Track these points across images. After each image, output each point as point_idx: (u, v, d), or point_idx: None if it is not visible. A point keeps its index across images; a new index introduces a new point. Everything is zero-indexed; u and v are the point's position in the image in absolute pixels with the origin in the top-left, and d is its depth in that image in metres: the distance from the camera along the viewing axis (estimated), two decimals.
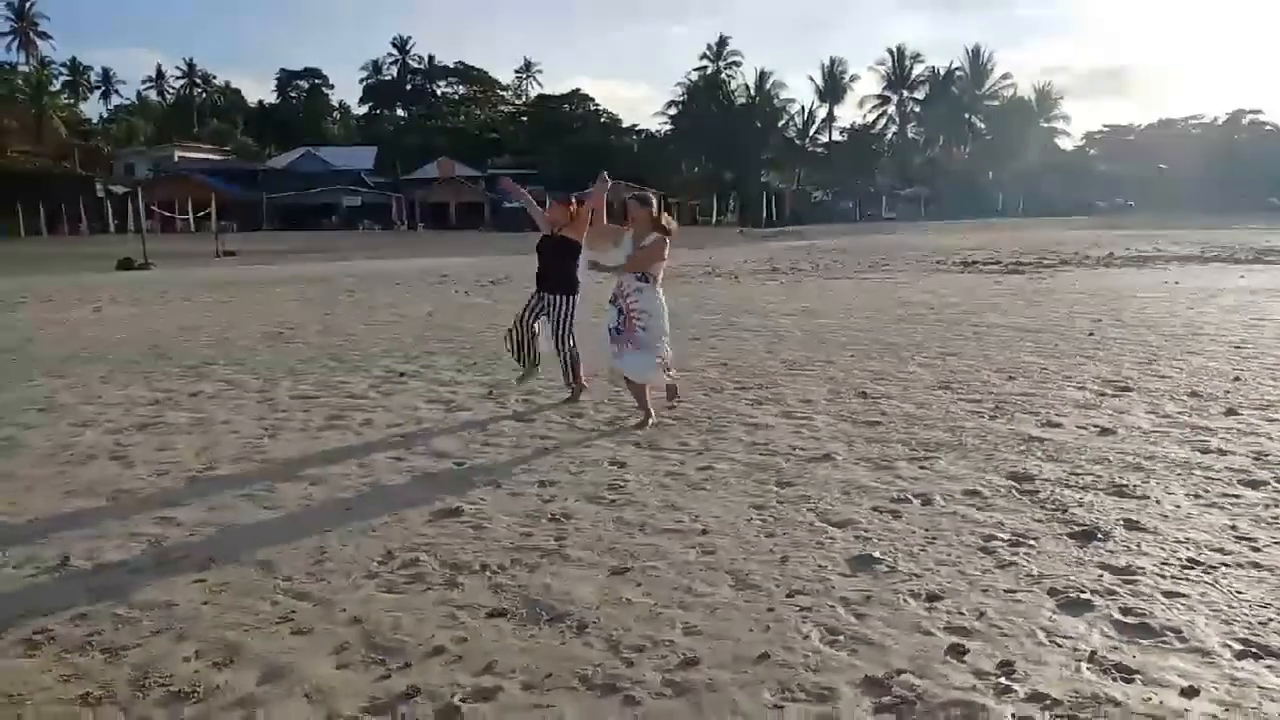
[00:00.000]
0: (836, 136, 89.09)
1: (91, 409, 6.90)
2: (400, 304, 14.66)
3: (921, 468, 4.93)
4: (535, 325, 6.63)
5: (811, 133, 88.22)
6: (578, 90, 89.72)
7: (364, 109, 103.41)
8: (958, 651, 2.90)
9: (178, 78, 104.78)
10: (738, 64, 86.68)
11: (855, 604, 3.26)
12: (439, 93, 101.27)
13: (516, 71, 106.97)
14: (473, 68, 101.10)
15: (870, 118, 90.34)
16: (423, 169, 72.54)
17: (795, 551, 3.77)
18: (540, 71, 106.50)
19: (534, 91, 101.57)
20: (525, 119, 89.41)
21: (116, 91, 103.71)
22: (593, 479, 4.85)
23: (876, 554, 3.70)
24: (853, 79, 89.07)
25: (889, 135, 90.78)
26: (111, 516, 4.39)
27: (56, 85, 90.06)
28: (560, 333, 6.56)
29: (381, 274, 21.92)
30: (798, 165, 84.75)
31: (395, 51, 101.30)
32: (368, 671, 2.85)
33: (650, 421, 5.98)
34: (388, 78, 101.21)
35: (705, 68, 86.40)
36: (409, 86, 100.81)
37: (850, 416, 6.16)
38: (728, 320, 11.65)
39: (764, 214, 63.10)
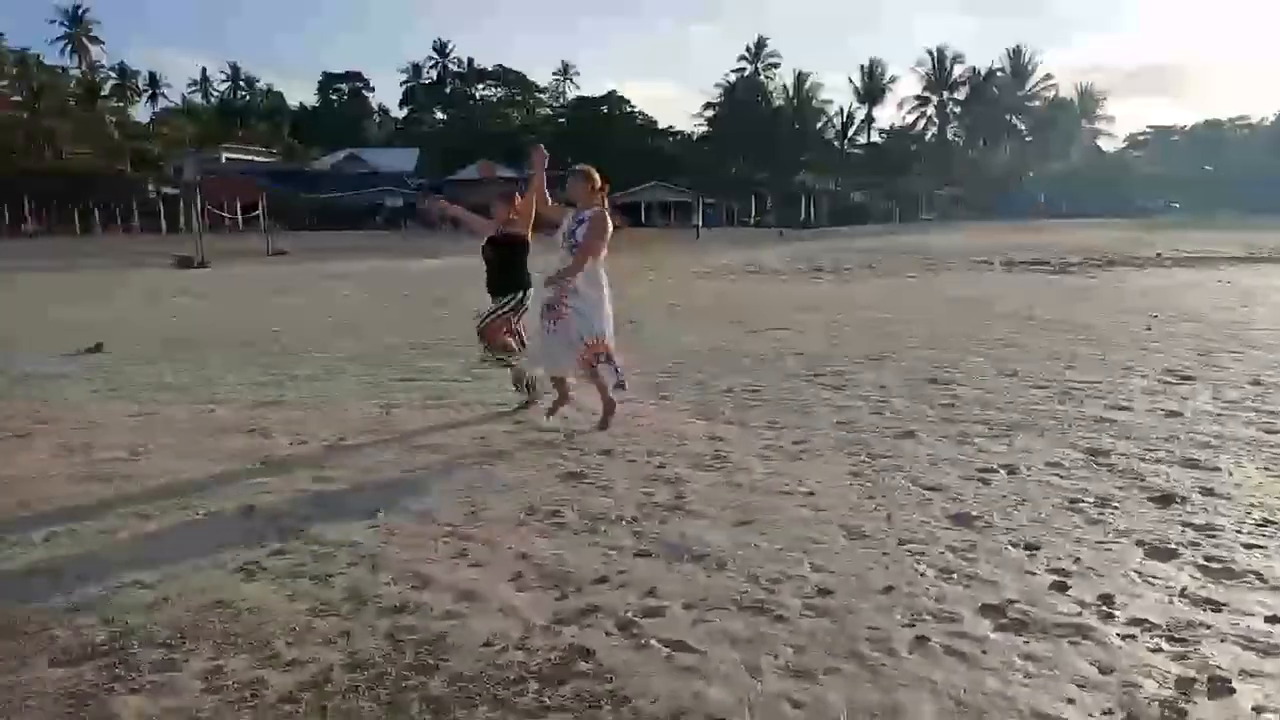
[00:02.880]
0: (875, 138, 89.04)
1: (212, 390, 7.46)
2: (462, 298, 15.18)
3: (1001, 443, 5.30)
4: (523, 338, 6.37)
5: (850, 134, 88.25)
6: (613, 92, 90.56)
7: (404, 111, 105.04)
8: (1061, 587, 3.28)
9: (221, 81, 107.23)
10: (776, 65, 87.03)
11: (962, 551, 3.66)
12: (478, 95, 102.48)
13: (554, 74, 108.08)
14: (511, 70, 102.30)
15: (909, 119, 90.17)
16: (463, 171, 73.44)
17: (898, 510, 4.17)
18: (578, 74, 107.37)
19: (571, 93, 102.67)
20: (563, 121, 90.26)
21: (163, 94, 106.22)
22: (697, 450, 5.28)
23: (973, 512, 4.09)
24: (892, 80, 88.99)
25: (928, 136, 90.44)
26: (270, 476, 4.90)
27: (106, 90, 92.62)
28: (495, 311, 6.37)
29: (435, 272, 22.55)
30: (836, 166, 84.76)
31: (435, 55, 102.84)
32: (546, 594, 3.30)
33: (559, 411, 5.78)
34: (427, 81, 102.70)
35: (743, 69, 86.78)
36: (448, 89, 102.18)
37: (926, 400, 6.54)
38: (787, 316, 12.04)
39: (802, 215, 63.21)
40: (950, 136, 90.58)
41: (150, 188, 64.00)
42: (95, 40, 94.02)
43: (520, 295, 6.30)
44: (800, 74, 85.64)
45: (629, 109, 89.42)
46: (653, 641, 2.92)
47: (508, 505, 4.33)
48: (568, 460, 5.13)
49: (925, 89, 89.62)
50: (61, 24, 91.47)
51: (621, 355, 5.87)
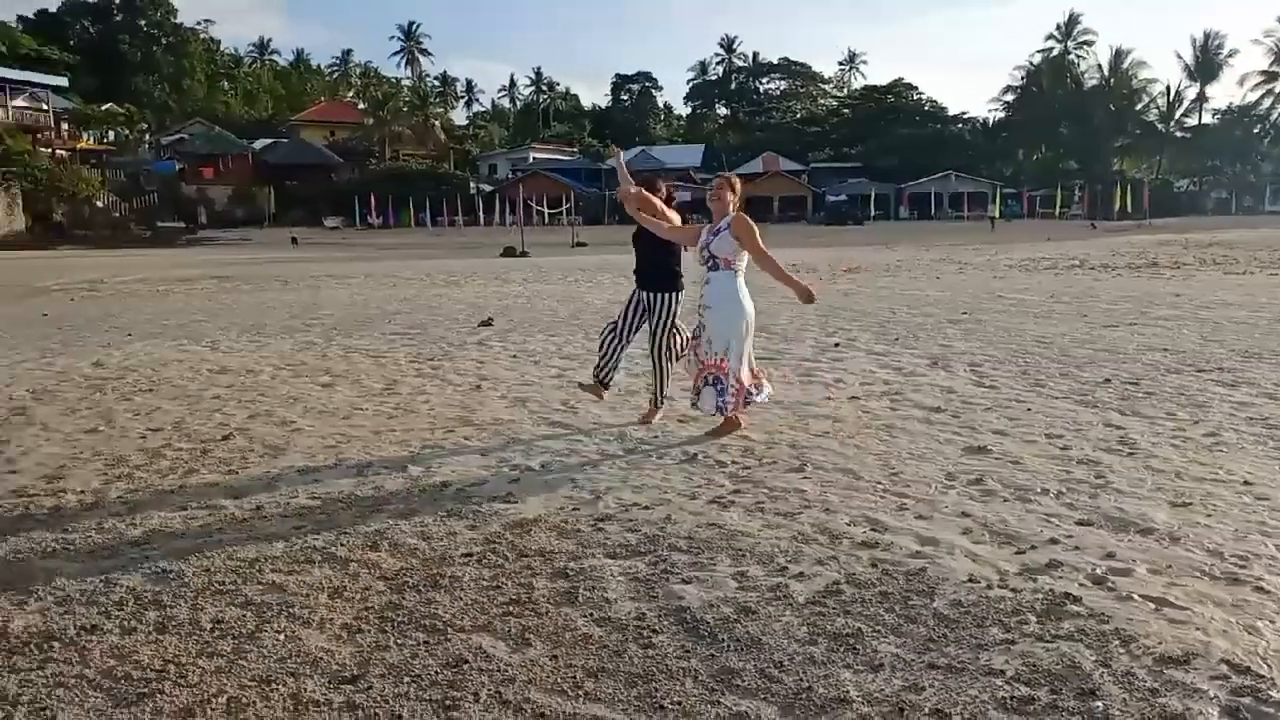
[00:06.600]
0: (1208, 119, 78.88)
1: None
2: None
3: None
4: (632, 335, 5.91)
5: (1177, 115, 78.90)
6: (901, 79, 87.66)
7: (688, 108, 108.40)
8: None
9: (526, 85, 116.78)
10: (1090, 43, 79.83)
11: None
12: (761, 89, 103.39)
13: (840, 64, 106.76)
14: (795, 62, 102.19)
15: (1252, 97, 78.84)
16: (747, 164, 74.59)
17: None
18: (865, 63, 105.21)
19: (857, 83, 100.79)
20: (848, 111, 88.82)
21: (477, 100, 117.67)
22: (1098, 435, 5.28)
23: None
24: (1231, 54, 78.34)
25: (1275, 116, 78.62)
26: (686, 432, 5.57)
27: (432, 97, 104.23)
28: (657, 340, 5.74)
29: None
30: (1158, 152, 76.22)
31: (722, 51, 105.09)
32: (1003, 549, 3.58)
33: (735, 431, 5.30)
34: (713, 77, 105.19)
35: (1050, 49, 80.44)
36: (733, 85, 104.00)
37: None
38: (1138, 309, 11.32)
39: (1117, 205, 57.57)
40: None
41: (472, 185, 71.26)
42: (425, 53, 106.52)
43: (673, 301, 5.78)
44: (1118, 50, 77.78)
45: (917, 96, 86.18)
46: (1134, 595, 3.11)
47: (925, 471, 4.65)
48: (961, 435, 5.35)
49: (1274, 63, 77.88)
50: (399, 40, 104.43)
51: (744, 380, 5.29)
